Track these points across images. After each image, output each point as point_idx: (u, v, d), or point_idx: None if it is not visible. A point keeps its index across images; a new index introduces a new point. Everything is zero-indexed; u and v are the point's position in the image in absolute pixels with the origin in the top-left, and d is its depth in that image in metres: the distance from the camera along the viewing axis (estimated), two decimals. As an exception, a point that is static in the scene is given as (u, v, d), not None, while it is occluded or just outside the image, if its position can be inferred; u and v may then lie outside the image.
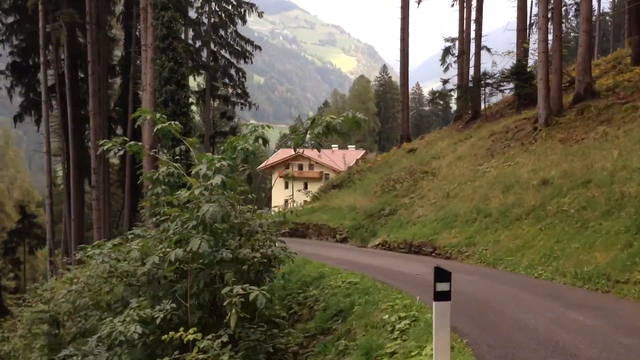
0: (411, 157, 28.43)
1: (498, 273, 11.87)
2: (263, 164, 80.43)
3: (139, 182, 21.86)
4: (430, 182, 21.23)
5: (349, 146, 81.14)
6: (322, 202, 26.27)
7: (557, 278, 10.39)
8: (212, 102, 47.66)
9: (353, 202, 22.93)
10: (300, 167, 76.76)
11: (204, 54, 46.81)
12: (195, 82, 47.18)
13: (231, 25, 47.01)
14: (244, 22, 47.93)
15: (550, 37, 20.91)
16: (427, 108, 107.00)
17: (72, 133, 34.34)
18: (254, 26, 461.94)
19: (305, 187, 59.35)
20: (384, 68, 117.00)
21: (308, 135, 9.30)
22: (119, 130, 40.62)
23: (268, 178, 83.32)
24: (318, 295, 11.26)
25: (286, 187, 71.25)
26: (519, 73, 26.91)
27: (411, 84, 67.65)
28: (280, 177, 76.00)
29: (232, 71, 47.77)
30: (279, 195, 63.47)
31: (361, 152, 77.29)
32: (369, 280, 10.87)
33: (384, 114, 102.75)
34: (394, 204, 20.80)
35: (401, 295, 9.31)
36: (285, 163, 76.01)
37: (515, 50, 28.23)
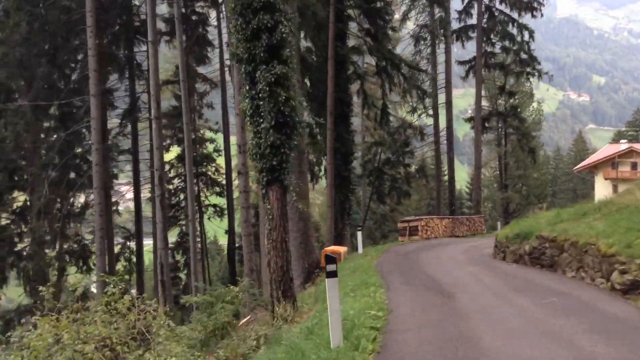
0: None
1: None
2: (581, 164, 64.06)
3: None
4: None
5: None
6: (611, 200, 13.12)
7: None
8: (484, 71, 35.59)
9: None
10: (634, 166, 58.02)
11: (474, 11, 35.22)
12: (464, 48, 36.20)
13: (512, -33, 34.53)
14: (530, -41, 34.75)
15: None
16: None
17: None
18: (592, 24, 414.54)
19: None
20: None
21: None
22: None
23: (588, 180, 66.09)
24: None
25: (615, 191, 54.24)
26: None
27: None
28: (606, 179, 59.38)
29: (514, 30, 34.89)
30: (604, 203, 47.81)
31: None
32: None
33: None
34: None
35: None
36: (612, 161, 58.50)
37: None
